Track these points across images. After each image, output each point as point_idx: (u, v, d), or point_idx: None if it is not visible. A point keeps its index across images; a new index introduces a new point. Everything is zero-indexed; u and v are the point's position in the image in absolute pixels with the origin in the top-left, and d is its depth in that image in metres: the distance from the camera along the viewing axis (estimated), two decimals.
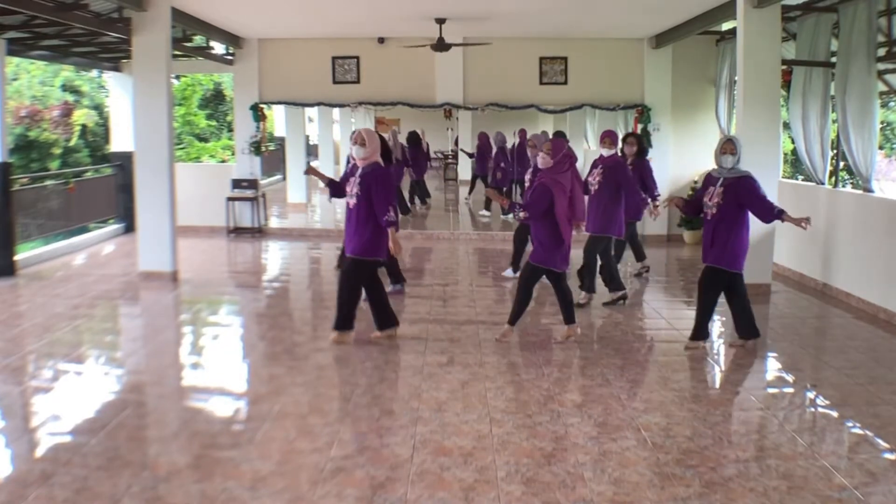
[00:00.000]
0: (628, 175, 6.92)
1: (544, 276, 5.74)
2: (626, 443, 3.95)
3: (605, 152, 6.91)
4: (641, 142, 7.91)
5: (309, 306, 7.09)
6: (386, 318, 5.73)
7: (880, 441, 4.05)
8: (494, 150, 12.69)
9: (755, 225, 7.40)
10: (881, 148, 16.42)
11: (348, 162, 6.84)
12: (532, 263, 5.64)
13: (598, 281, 7.04)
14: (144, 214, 8.03)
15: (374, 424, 4.20)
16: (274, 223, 11.98)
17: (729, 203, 5.29)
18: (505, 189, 12.14)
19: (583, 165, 17.02)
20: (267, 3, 8.61)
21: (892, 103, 15.32)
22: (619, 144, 7.34)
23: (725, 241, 5.32)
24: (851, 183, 11.81)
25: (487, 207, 13.06)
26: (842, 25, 7.15)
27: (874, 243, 6.77)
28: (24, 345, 5.71)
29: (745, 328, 5.59)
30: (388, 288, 6.98)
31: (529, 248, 6.33)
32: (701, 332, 5.59)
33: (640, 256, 8.38)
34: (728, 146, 5.34)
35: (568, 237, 5.54)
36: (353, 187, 5.45)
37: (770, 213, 5.27)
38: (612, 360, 5.35)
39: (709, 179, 5.53)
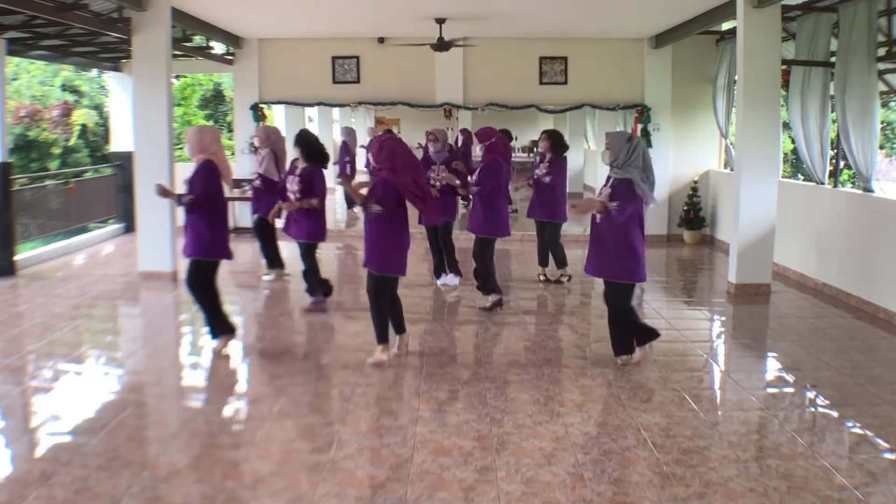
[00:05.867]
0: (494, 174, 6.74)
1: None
2: (626, 443, 3.95)
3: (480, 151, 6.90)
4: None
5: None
6: (217, 325, 5.45)
7: (880, 441, 4.05)
8: (341, 142, 12.21)
9: (755, 225, 7.52)
10: (881, 148, 16.42)
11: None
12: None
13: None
14: (144, 214, 8.04)
15: (374, 424, 4.20)
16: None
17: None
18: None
19: (583, 165, 17.18)
20: (267, 3, 8.60)
21: (892, 103, 15.32)
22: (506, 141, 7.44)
23: (609, 246, 5.05)
24: (852, 182, 11.82)
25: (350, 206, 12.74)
26: (842, 25, 7.15)
27: (874, 243, 6.77)
28: (24, 345, 5.71)
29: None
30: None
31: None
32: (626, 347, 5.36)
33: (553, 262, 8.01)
34: (606, 142, 5.05)
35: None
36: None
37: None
38: (613, 360, 5.35)
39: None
